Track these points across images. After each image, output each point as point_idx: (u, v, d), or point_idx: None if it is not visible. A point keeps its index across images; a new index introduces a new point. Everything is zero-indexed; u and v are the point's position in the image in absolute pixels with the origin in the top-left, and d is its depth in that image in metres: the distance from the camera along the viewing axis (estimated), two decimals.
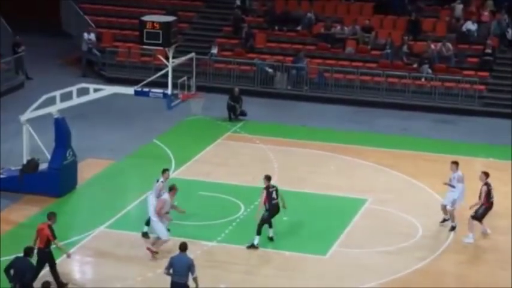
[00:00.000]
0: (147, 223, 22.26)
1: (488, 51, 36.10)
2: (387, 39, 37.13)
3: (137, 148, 29.13)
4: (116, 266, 21.08)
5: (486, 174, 22.90)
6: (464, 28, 37.51)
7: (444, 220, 23.72)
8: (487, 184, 22.75)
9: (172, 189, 21.49)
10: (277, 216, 22.35)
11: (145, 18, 25.07)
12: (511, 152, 28.85)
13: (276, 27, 39.07)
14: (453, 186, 23.27)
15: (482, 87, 35.26)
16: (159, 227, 21.29)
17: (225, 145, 29.99)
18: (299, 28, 38.93)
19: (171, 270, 18.19)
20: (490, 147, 29.89)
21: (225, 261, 21.37)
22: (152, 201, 21.87)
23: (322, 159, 28.70)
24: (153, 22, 24.52)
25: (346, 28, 38.24)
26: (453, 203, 23.22)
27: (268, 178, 22.29)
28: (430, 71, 35.66)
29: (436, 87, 35.22)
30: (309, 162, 28.38)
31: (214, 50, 37.52)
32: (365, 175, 27.34)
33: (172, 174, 26.32)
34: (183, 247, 18.46)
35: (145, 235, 22.38)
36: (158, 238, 21.39)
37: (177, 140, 30.12)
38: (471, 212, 22.72)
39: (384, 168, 27.81)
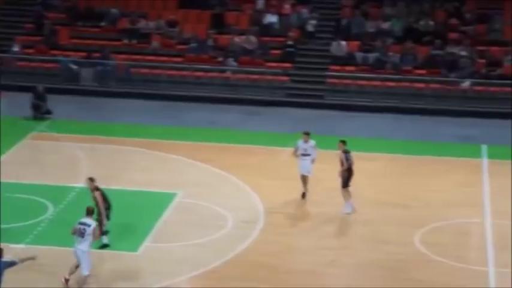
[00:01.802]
0: None
1: (290, 43, 37.02)
2: (192, 34, 37.37)
3: None
4: None
5: (343, 142, 23.98)
6: (266, 21, 38.27)
7: (304, 194, 24.64)
8: (344, 152, 23.86)
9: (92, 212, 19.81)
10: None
11: None
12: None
13: (80, 23, 38.47)
14: (308, 155, 24.43)
15: (285, 78, 36.13)
16: (89, 261, 19.48)
17: (31, 145, 29.29)
18: (103, 24, 38.51)
19: None
20: (296, 136, 30.59)
21: (32, 263, 20.65)
22: None
23: (132, 155, 28.54)
24: None
25: (150, 23, 38.16)
26: (312, 163, 24.48)
27: (92, 179, 21.51)
28: (235, 63, 36.19)
29: (241, 80, 35.78)
30: (118, 158, 28.15)
31: (16, 48, 36.51)
32: (176, 169, 27.42)
33: None
34: None
35: None
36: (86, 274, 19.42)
37: None
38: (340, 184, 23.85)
39: (195, 162, 27.99)
